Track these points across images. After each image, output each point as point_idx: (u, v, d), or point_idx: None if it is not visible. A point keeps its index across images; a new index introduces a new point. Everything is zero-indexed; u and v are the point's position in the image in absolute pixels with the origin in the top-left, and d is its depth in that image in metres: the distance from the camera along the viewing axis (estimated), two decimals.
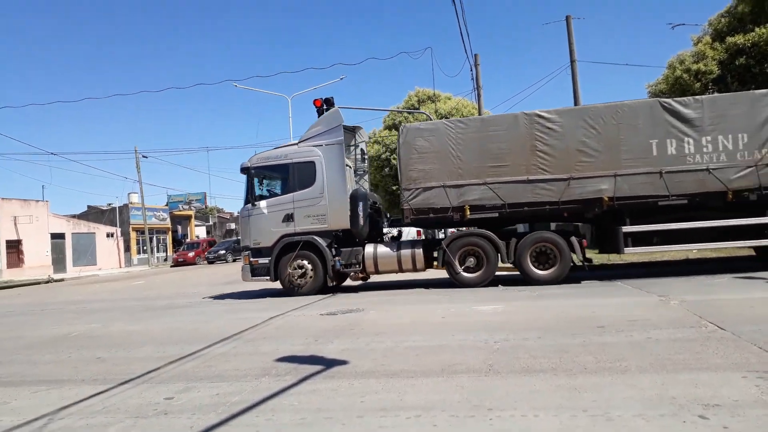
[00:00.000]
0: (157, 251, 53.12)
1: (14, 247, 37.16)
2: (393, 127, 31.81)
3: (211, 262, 43.67)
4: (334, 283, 13.25)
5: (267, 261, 12.92)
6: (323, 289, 12.83)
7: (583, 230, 13.06)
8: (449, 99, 34.17)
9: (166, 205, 58.29)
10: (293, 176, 13.04)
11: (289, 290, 12.86)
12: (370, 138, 28.53)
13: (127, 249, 50.10)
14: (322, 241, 12.68)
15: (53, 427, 4.21)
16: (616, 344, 5.62)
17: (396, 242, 13.08)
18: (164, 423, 4.11)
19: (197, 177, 70.20)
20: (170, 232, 55.56)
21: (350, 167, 14.14)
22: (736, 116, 11.19)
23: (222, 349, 6.80)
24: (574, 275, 12.24)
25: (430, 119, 24.12)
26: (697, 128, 11.24)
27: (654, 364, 4.81)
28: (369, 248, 12.70)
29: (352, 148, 14.82)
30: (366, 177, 15.35)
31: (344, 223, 12.68)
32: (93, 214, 51.33)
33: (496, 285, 11.95)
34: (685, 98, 11.63)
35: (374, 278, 13.96)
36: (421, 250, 12.48)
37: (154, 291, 17.88)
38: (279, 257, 12.85)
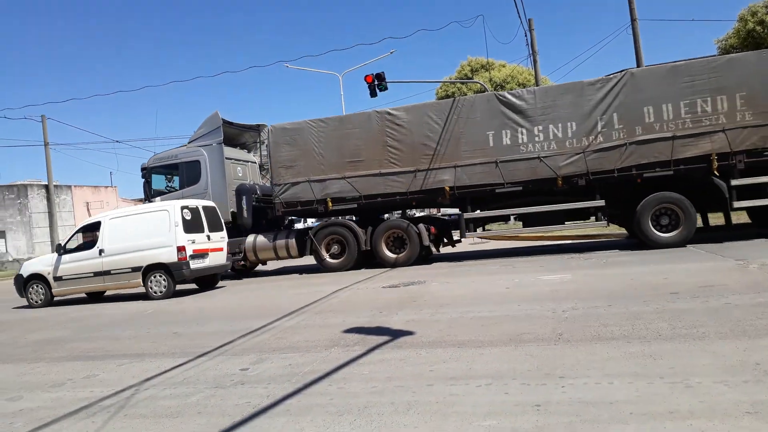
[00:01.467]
0: None
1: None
2: (446, 98, 31.42)
3: None
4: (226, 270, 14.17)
5: None
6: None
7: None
8: (503, 66, 33.38)
9: None
10: (183, 174, 14.38)
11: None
12: None
13: None
14: None
15: (140, 396, 4.45)
16: (691, 310, 5.42)
17: (274, 232, 13.82)
18: (242, 392, 4.27)
19: None
20: None
21: (255, 163, 14.99)
22: (565, 105, 11.64)
23: (291, 322, 6.99)
24: (431, 257, 13.62)
25: (485, 89, 23.66)
26: (530, 119, 11.80)
27: (734, 329, 4.61)
28: (250, 238, 13.71)
29: (258, 144, 15.76)
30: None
31: (226, 216, 13.60)
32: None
33: (360, 269, 13.01)
34: (519, 90, 12.32)
35: (444, 251, 14.22)
36: (294, 240, 13.44)
37: None
38: None
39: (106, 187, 42.28)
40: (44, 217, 35.14)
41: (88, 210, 39.00)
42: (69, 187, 38.26)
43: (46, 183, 34.98)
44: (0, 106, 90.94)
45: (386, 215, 15.09)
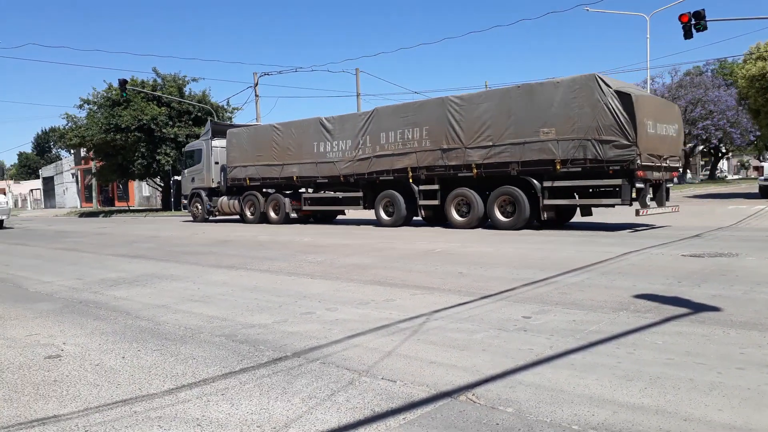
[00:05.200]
0: None
1: None
2: None
3: None
4: (209, 216, 22.93)
5: (188, 202, 23.98)
6: (208, 220, 23.03)
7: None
8: None
9: None
10: (196, 157, 23.23)
11: (194, 218, 23.58)
12: (752, 54, 26.01)
13: None
14: (203, 193, 22.81)
15: (430, 325, 4.87)
16: None
17: (231, 195, 21.50)
18: (524, 338, 4.34)
19: None
20: None
21: None
22: (348, 128, 17.23)
23: (574, 279, 6.79)
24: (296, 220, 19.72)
25: None
26: (333, 135, 17.58)
27: None
28: (220, 198, 22.02)
29: None
30: None
31: (212, 183, 22.42)
32: None
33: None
34: (329, 117, 17.77)
35: None
36: (237, 201, 21.07)
37: None
38: (191, 200, 23.54)
39: None
40: None
41: None
42: None
43: None
44: (324, 60, 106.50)
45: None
